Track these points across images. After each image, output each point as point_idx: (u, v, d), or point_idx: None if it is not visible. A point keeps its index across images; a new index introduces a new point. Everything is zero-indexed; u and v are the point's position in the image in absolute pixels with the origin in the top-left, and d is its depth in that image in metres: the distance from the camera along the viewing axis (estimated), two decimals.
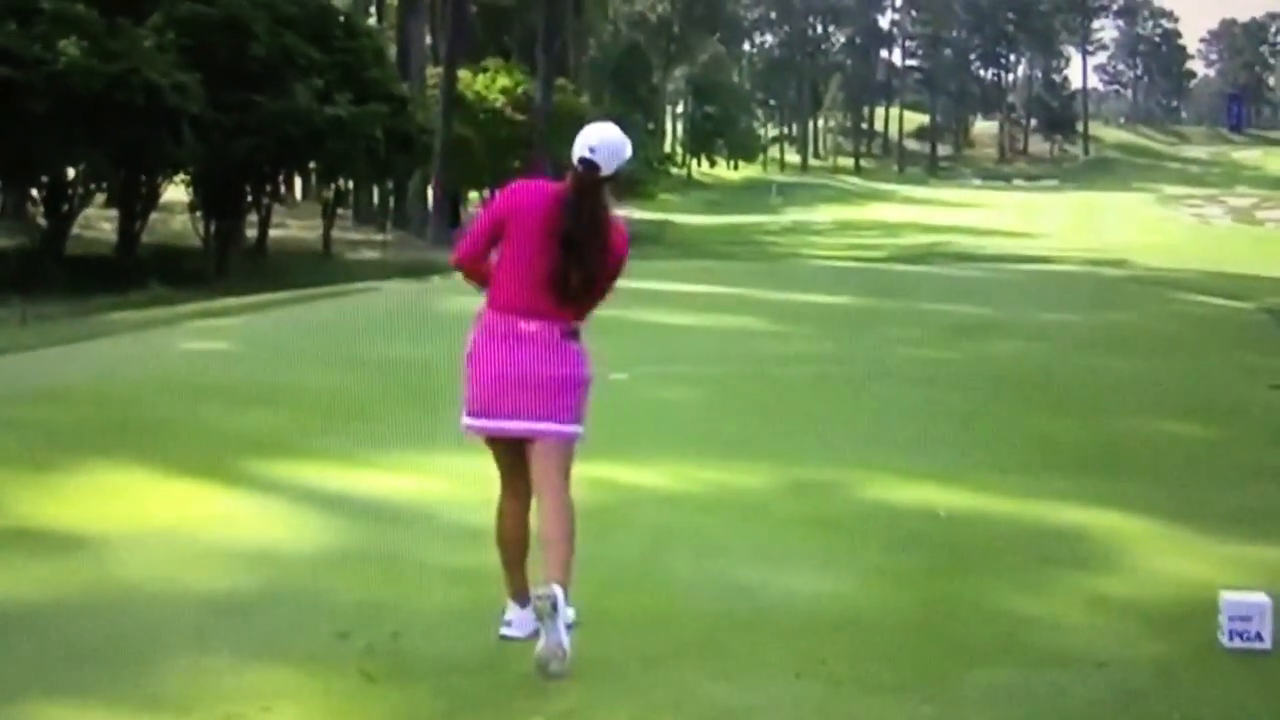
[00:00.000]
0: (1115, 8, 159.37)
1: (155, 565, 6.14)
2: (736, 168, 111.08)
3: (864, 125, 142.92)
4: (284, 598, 5.70)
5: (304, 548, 6.51)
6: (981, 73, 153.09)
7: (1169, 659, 5.15)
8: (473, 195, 56.08)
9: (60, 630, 5.26)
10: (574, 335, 5.03)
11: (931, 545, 6.67)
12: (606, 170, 4.98)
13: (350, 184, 45.75)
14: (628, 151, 5.05)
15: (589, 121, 5.51)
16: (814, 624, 5.12)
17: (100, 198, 35.52)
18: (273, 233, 40.38)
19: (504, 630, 5.11)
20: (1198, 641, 5.24)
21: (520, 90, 52.51)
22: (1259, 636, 5.14)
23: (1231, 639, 5.16)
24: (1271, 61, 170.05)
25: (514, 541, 5.14)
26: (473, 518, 6.17)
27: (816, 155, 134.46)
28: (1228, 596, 5.26)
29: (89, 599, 5.65)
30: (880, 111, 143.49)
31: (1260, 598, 5.23)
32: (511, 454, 5.10)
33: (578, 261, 4.94)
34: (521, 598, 5.08)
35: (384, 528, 6.79)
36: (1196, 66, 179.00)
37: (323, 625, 5.30)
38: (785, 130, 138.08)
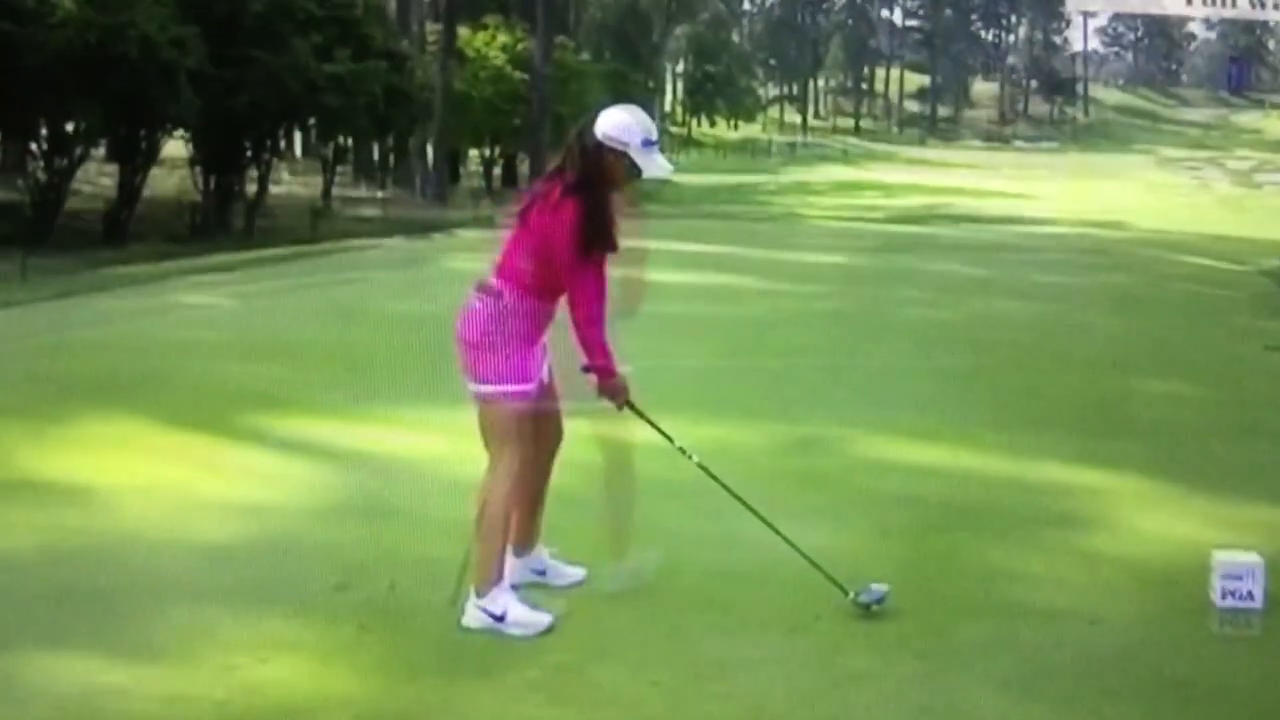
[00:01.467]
0: None
1: (154, 516, 6.18)
2: (736, 127, 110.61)
3: (864, 86, 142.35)
4: (282, 549, 5.74)
5: (302, 500, 6.54)
6: (982, 34, 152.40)
7: (1160, 617, 5.19)
8: (472, 153, 55.79)
9: (59, 580, 5.29)
10: (486, 292, 4.92)
11: (927, 502, 6.71)
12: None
13: (350, 141, 45.56)
14: None
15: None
16: (809, 579, 5.15)
17: (100, 152, 35.36)
18: (272, 189, 40.16)
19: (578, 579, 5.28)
20: (1190, 600, 5.27)
21: (520, 47, 52.15)
22: (1250, 596, 5.18)
23: (1223, 598, 5.20)
24: (1271, 24, 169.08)
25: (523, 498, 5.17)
26: (471, 471, 6.19)
27: (816, 115, 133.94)
28: (1220, 556, 5.29)
29: (88, 549, 5.68)
30: (880, 72, 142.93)
31: (1252, 557, 5.26)
32: None
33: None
34: (520, 549, 5.18)
35: (382, 481, 6.82)
36: (1196, 29, 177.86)
37: (320, 577, 5.34)
38: (785, 90, 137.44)
